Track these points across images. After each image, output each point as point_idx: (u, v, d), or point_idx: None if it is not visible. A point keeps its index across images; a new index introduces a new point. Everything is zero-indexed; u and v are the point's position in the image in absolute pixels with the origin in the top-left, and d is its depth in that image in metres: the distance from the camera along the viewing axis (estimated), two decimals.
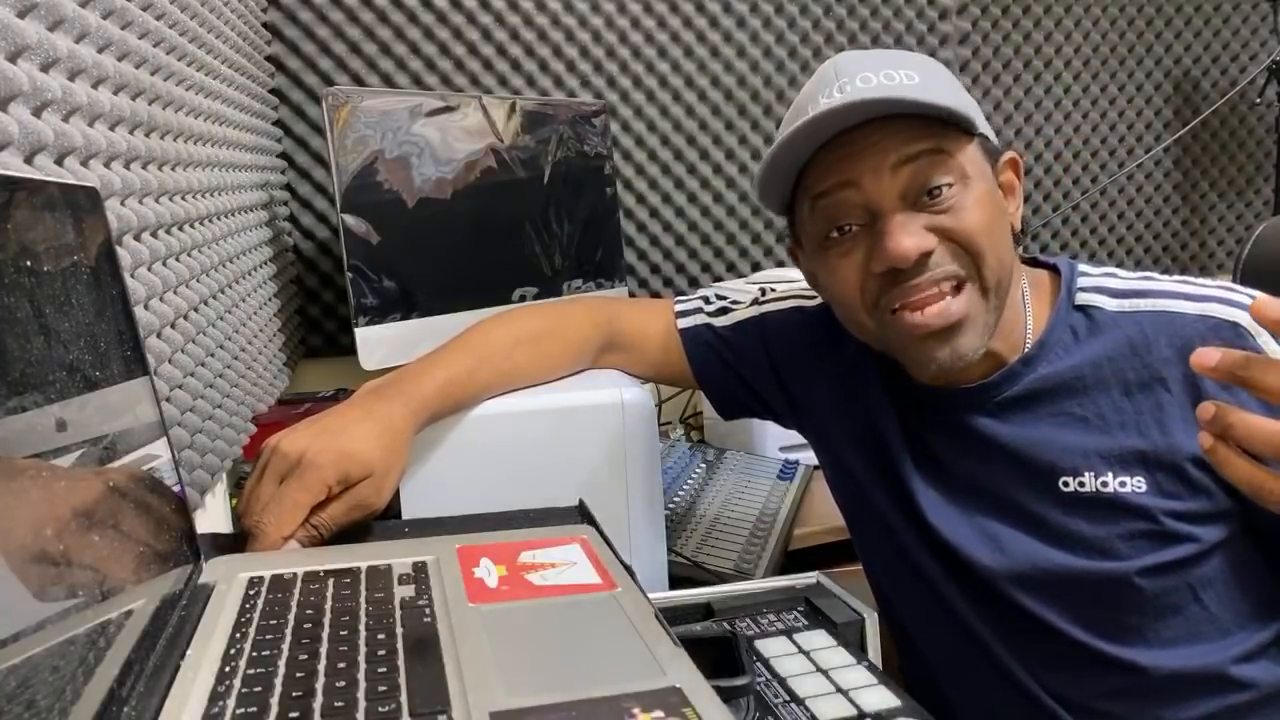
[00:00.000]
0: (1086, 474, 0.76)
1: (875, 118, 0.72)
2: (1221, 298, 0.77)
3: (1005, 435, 0.79)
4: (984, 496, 0.80)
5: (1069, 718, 0.78)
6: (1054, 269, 0.84)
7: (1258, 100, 2.02)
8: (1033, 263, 0.86)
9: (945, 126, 0.73)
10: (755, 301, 0.97)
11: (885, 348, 0.80)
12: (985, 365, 0.79)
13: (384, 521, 0.75)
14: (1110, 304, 0.80)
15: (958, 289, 0.74)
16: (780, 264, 1.92)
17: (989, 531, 0.80)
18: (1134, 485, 0.75)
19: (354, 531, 0.72)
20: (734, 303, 0.98)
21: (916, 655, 0.90)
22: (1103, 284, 0.81)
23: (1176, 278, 0.81)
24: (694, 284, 1.86)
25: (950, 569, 0.82)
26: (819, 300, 0.94)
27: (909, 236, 0.72)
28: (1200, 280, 0.80)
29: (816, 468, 1.37)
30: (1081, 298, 0.81)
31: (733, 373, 0.96)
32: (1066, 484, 0.77)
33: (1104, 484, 0.76)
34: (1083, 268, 0.83)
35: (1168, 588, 0.75)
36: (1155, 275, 0.81)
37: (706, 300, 0.99)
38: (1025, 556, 0.78)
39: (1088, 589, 0.76)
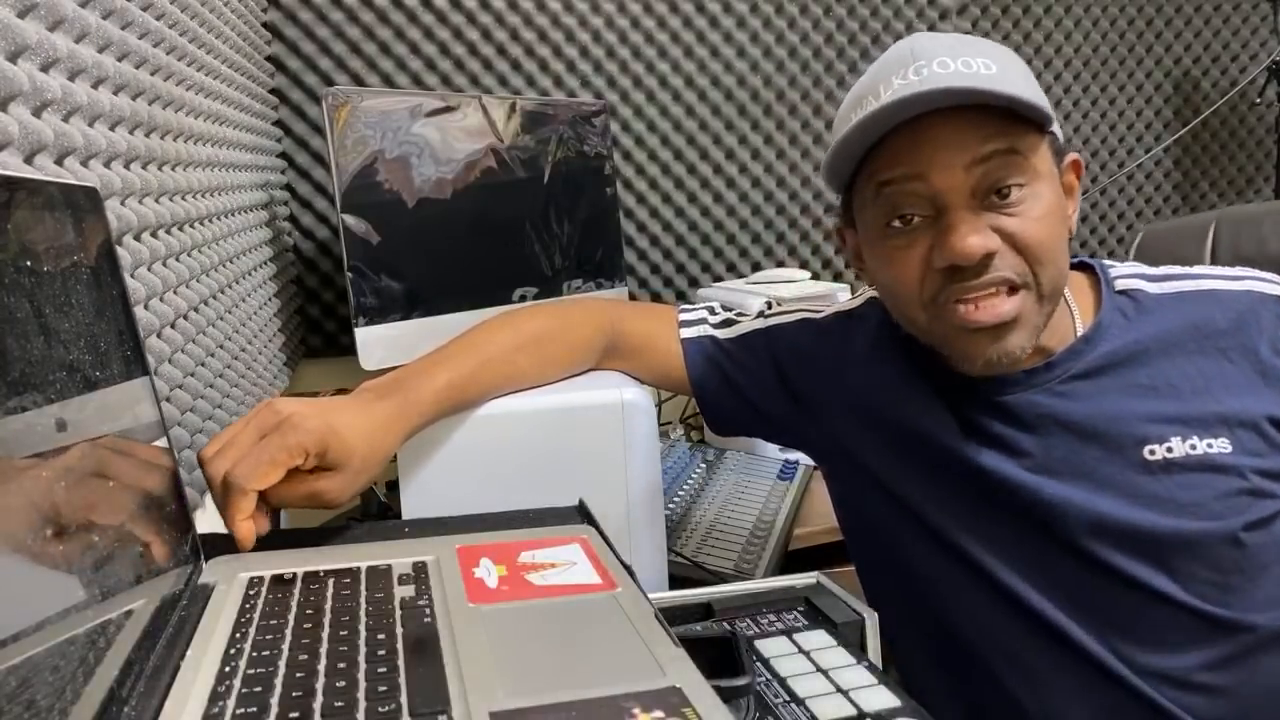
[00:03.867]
0: (1173, 439, 0.77)
1: (950, 106, 0.71)
2: (1255, 275, 0.83)
3: (1075, 411, 0.79)
4: (1061, 472, 0.79)
5: (1161, 697, 0.76)
6: (1084, 266, 0.87)
7: (1258, 100, 2.02)
8: None
9: (1019, 123, 0.72)
10: (761, 314, 0.97)
11: (931, 340, 0.80)
12: (1030, 357, 0.79)
13: (384, 521, 0.75)
14: (1151, 287, 0.83)
15: (1013, 290, 0.74)
16: (780, 264, 1.92)
17: (1075, 495, 0.78)
18: (1220, 446, 0.76)
19: (353, 532, 0.71)
20: (739, 314, 0.97)
21: (951, 662, 0.86)
22: (1138, 272, 0.85)
23: (1200, 267, 0.85)
24: (694, 284, 1.86)
25: (1021, 543, 0.79)
26: (826, 312, 0.94)
27: (975, 234, 0.71)
28: (1220, 268, 0.84)
29: (817, 467, 1.37)
30: (1121, 284, 0.84)
31: (732, 386, 0.94)
32: (1153, 451, 0.77)
33: (1193, 447, 0.76)
34: (1107, 262, 0.87)
35: (1263, 545, 0.76)
36: (1179, 266, 0.86)
37: (712, 310, 0.98)
38: (1122, 517, 0.76)
39: (1192, 549, 0.76)
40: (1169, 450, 0.77)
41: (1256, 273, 0.83)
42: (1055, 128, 0.76)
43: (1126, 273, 0.85)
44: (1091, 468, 0.78)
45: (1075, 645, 0.78)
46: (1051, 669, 0.79)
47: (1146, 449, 0.77)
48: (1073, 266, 0.85)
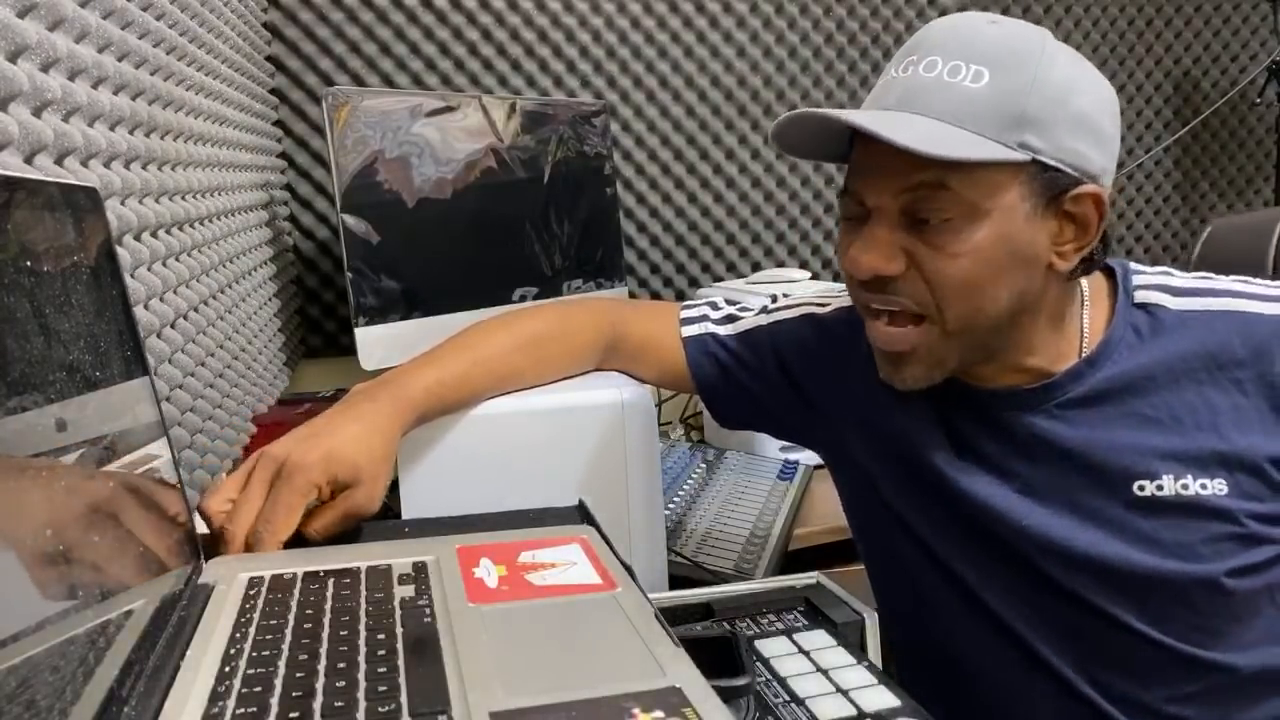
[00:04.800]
0: (1165, 476, 0.73)
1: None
2: None
3: (1070, 438, 0.76)
4: (1047, 497, 0.77)
5: None
6: (1106, 269, 0.81)
7: (1258, 100, 2.02)
8: None
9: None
10: (764, 310, 0.96)
11: None
12: (1024, 377, 0.77)
13: (384, 521, 0.75)
14: (1172, 302, 0.77)
15: (918, 321, 0.72)
16: (780, 264, 1.92)
17: (1056, 527, 0.77)
18: (1215, 487, 0.73)
19: (352, 531, 0.72)
20: (742, 310, 0.96)
21: (940, 663, 0.87)
22: (1161, 282, 0.79)
23: (1236, 278, 0.78)
24: (694, 284, 1.86)
25: (1001, 567, 0.79)
26: (831, 306, 0.93)
27: (871, 252, 0.71)
28: (1259, 280, 0.78)
29: (818, 467, 1.37)
30: (1141, 295, 0.78)
31: (735, 383, 0.94)
32: (1143, 487, 0.74)
33: (1184, 486, 0.73)
34: (1134, 266, 0.81)
35: (1251, 590, 0.74)
36: (1212, 275, 0.79)
37: (713, 306, 0.97)
38: (1099, 554, 0.75)
39: (1173, 587, 0.74)
40: (1159, 488, 0.74)
41: None
42: (1062, 155, 0.69)
43: (1150, 283, 0.78)
44: (1079, 497, 0.76)
45: (1048, 666, 0.78)
46: (1024, 686, 0.80)
47: (1136, 484, 0.74)
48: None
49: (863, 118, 0.67)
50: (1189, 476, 0.73)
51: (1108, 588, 0.75)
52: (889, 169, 0.69)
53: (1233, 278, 0.78)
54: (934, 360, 0.74)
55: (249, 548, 0.66)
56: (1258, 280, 0.78)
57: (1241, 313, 0.75)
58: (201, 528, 0.65)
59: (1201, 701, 0.75)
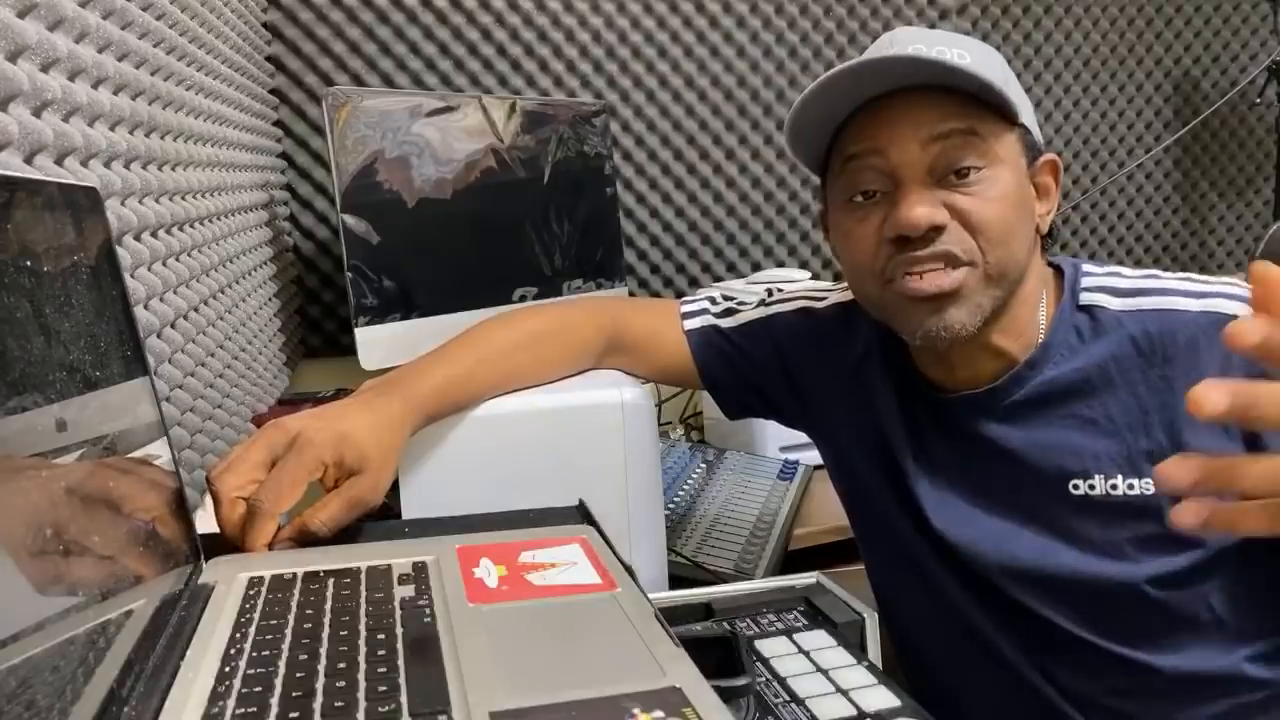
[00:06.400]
0: (1096, 476, 0.76)
1: (917, 88, 0.72)
2: (1226, 293, 0.76)
3: (1014, 440, 0.79)
4: (992, 499, 0.80)
5: (1076, 714, 0.78)
6: (1058, 269, 0.83)
7: (1258, 100, 2.02)
8: None
9: (985, 110, 0.73)
10: (762, 302, 0.97)
11: (882, 316, 0.80)
12: (995, 365, 0.79)
13: (384, 521, 0.75)
14: (1114, 303, 0.79)
15: (958, 266, 0.74)
16: (780, 264, 1.92)
17: (996, 531, 0.80)
18: (1143, 487, 0.74)
19: (352, 531, 0.72)
20: (740, 303, 0.98)
21: (918, 655, 0.90)
22: (1107, 283, 0.80)
23: (1181, 275, 0.80)
24: (694, 284, 1.86)
25: (954, 569, 0.82)
26: (827, 300, 0.94)
27: (922, 205, 0.72)
28: (1205, 277, 0.79)
29: (818, 467, 1.37)
30: (1085, 298, 0.80)
31: (739, 374, 0.96)
32: (1076, 487, 0.76)
33: (1114, 486, 0.75)
34: (1086, 267, 0.82)
35: (1178, 593, 0.75)
36: (1160, 273, 0.80)
37: (713, 300, 0.98)
38: (1033, 557, 0.78)
39: (1097, 592, 0.76)
40: (1091, 488, 0.76)
41: (1230, 288, 0.76)
42: (1029, 123, 0.76)
43: (1095, 284, 0.80)
44: (1021, 498, 0.79)
45: (1001, 655, 0.81)
46: (984, 676, 0.83)
47: (1071, 484, 0.76)
48: (1049, 266, 0.84)
49: (910, 60, 0.72)
50: (1119, 476, 0.75)
51: (1040, 592, 0.78)
52: (920, 119, 0.72)
53: (1180, 276, 0.79)
54: (975, 304, 0.75)
55: (248, 515, 0.65)
56: (1200, 277, 0.79)
57: (1173, 310, 0.76)
58: (201, 528, 0.65)
59: (1138, 696, 0.78)
